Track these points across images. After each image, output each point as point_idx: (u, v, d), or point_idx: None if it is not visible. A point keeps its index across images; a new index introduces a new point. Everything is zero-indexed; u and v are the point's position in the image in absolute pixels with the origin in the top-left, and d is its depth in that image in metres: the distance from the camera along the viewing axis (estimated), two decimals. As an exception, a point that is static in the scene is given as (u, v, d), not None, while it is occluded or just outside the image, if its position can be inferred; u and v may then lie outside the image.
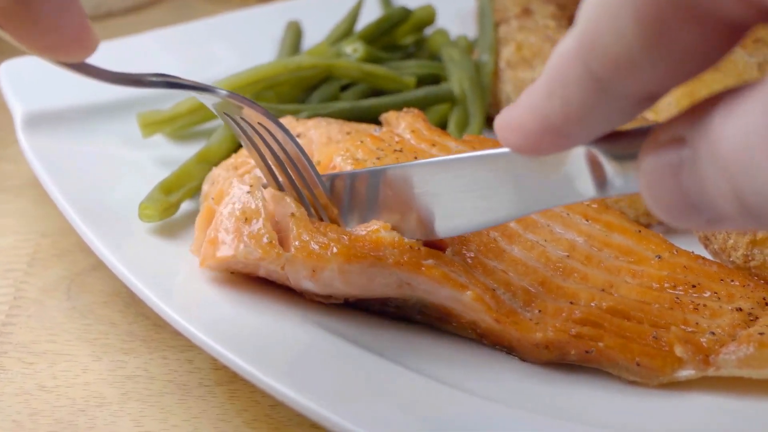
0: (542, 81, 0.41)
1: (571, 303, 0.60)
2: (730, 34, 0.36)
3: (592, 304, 0.60)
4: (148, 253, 0.66)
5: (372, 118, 0.79)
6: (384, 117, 0.73)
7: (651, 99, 0.39)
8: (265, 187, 0.63)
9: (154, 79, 0.54)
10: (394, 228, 0.60)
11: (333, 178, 0.62)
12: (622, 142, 0.43)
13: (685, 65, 0.37)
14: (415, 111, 0.72)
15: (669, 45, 0.36)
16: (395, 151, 0.67)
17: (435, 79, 0.90)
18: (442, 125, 0.84)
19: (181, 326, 0.58)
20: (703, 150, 0.36)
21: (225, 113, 0.59)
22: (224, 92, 0.58)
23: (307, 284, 0.60)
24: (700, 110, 0.37)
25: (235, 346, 0.56)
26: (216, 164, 0.76)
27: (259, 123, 0.60)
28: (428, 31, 0.98)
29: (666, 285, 0.61)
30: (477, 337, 0.61)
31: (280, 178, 0.62)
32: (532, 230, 0.64)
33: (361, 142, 0.67)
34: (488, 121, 0.89)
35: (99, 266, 0.72)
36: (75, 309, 0.69)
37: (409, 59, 0.94)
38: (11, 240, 0.77)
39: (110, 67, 0.52)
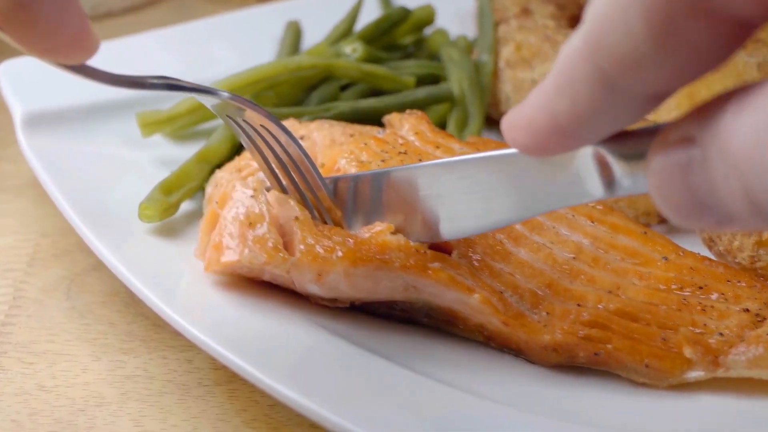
0: (550, 80, 0.41)
1: (579, 305, 0.60)
2: (739, 32, 0.36)
3: (599, 306, 0.60)
4: (147, 253, 0.66)
5: (372, 119, 0.79)
6: (387, 119, 0.73)
7: (659, 98, 0.39)
8: (268, 190, 0.62)
9: (155, 81, 0.54)
10: (398, 230, 0.60)
11: (336, 180, 0.62)
12: (630, 142, 0.43)
13: (694, 64, 0.37)
14: (419, 113, 0.72)
15: (678, 43, 0.36)
16: (400, 153, 0.67)
17: (434, 79, 0.90)
18: (441, 125, 0.84)
19: (180, 326, 0.58)
20: (713, 149, 0.36)
21: (227, 115, 0.59)
22: (226, 94, 0.58)
23: (313, 288, 0.60)
24: (710, 109, 0.37)
25: (235, 347, 0.56)
26: (216, 164, 0.76)
27: (261, 125, 0.59)
28: (428, 31, 0.98)
29: (673, 286, 0.61)
30: (484, 340, 0.61)
31: (284, 181, 0.62)
32: (538, 232, 0.64)
33: (365, 144, 0.67)
34: (487, 121, 0.89)
35: (99, 266, 0.72)
36: (74, 309, 0.69)
37: (409, 59, 0.94)
38: (11, 240, 0.77)
39: (109, 67, 0.52)
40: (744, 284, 0.62)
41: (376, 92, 0.87)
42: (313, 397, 0.53)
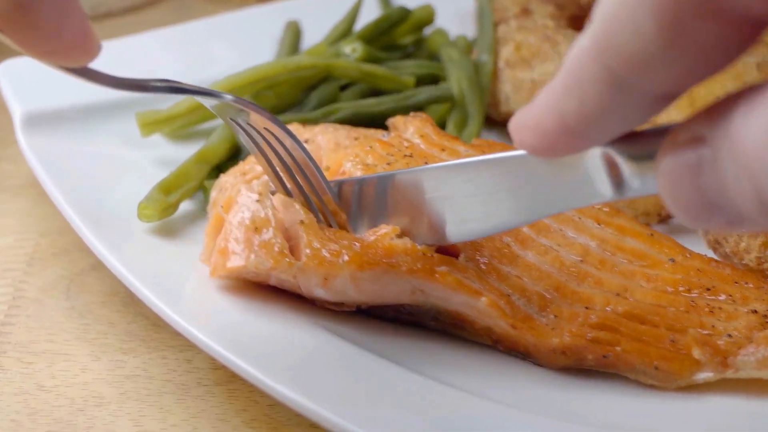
0: (558, 80, 0.40)
1: (587, 308, 0.60)
2: (748, 31, 0.36)
3: (607, 308, 0.60)
4: (147, 253, 0.66)
5: (373, 122, 0.79)
6: (391, 122, 0.72)
7: (669, 98, 0.38)
8: (273, 193, 0.62)
9: (158, 84, 0.53)
10: (404, 232, 0.59)
11: (340, 183, 0.62)
12: (639, 143, 0.42)
13: (703, 63, 0.36)
14: (423, 115, 0.71)
15: (687, 42, 0.35)
16: (405, 156, 0.66)
17: (434, 79, 0.90)
18: (441, 125, 0.84)
19: (179, 326, 0.58)
20: (723, 149, 0.36)
21: (231, 119, 0.59)
22: (230, 97, 0.57)
23: (319, 292, 0.60)
24: (720, 109, 0.36)
25: (236, 348, 0.56)
26: (215, 164, 0.76)
27: (265, 128, 0.59)
28: (427, 30, 0.98)
29: (680, 288, 0.61)
30: (492, 343, 0.61)
31: (288, 185, 0.61)
32: (545, 235, 0.63)
33: (370, 147, 0.67)
34: (487, 121, 0.90)
35: (98, 266, 0.72)
36: (74, 309, 0.69)
37: (408, 59, 0.94)
38: (10, 240, 0.77)
39: (109, 67, 0.52)
40: (751, 285, 0.62)
41: (376, 92, 0.87)
42: (318, 399, 0.52)
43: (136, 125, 0.78)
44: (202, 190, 0.74)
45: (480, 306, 0.58)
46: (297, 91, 0.85)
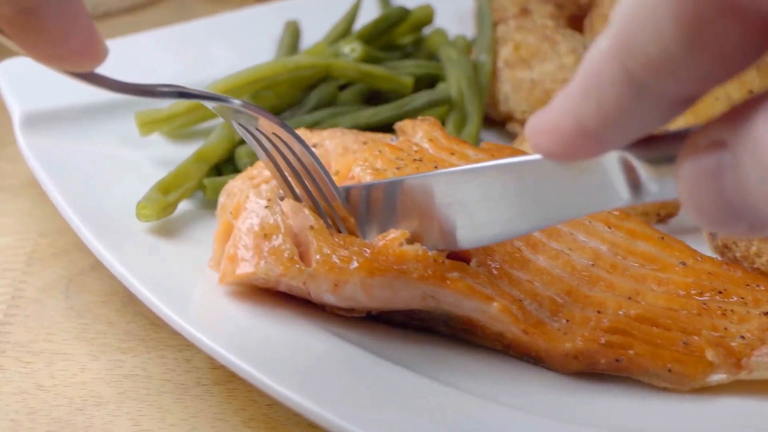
0: (576, 83, 0.40)
1: (599, 312, 0.60)
2: None
3: (619, 312, 0.60)
4: (146, 252, 0.66)
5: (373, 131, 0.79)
6: (399, 126, 0.72)
7: (688, 101, 0.38)
8: (281, 198, 0.62)
9: (165, 89, 0.53)
10: (413, 237, 0.59)
11: (348, 189, 0.61)
12: (657, 146, 0.42)
13: (724, 65, 0.36)
14: (431, 119, 0.71)
15: (708, 43, 0.35)
16: (415, 160, 0.66)
17: (433, 79, 0.90)
18: (440, 125, 0.84)
19: (179, 326, 0.58)
20: (745, 153, 0.35)
21: (240, 123, 0.58)
22: (238, 102, 0.57)
23: (329, 298, 0.60)
24: (741, 112, 0.36)
25: (244, 351, 0.56)
26: (214, 164, 0.76)
27: (273, 133, 0.59)
28: (426, 30, 0.98)
29: (692, 291, 0.61)
30: (503, 348, 0.61)
31: (297, 190, 0.61)
32: (555, 239, 0.63)
33: (380, 151, 0.67)
34: (486, 121, 0.90)
35: (97, 266, 0.72)
36: (73, 308, 0.69)
37: (407, 59, 0.94)
38: (9, 239, 0.77)
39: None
40: (763, 288, 0.62)
41: (375, 92, 0.87)
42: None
43: (135, 125, 0.78)
44: (201, 190, 0.74)
45: (492, 311, 0.58)
46: (296, 91, 0.85)
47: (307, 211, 0.61)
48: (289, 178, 0.61)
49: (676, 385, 0.58)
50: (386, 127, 0.79)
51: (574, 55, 0.87)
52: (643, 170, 0.43)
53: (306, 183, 0.61)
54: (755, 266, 0.66)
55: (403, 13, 0.93)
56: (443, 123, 0.84)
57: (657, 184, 0.42)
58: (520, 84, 0.87)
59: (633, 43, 0.36)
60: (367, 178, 0.64)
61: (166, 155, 0.78)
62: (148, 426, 0.59)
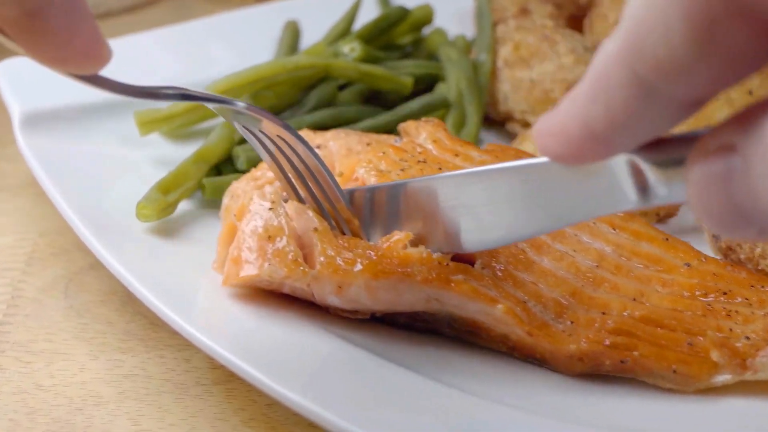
0: (584, 86, 0.39)
1: (603, 313, 0.59)
2: None
3: (624, 313, 0.60)
4: (145, 252, 0.66)
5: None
6: (402, 127, 0.72)
7: (697, 104, 0.38)
8: (285, 200, 0.62)
9: (169, 91, 0.53)
10: (418, 239, 0.59)
11: (352, 192, 0.61)
12: (665, 150, 0.42)
13: (734, 68, 0.36)
14: (435, 120, 0.71)
15: (719, 45, 0.35)
16: (419, 161, 0.66)
17: (432, 78, 0.90)
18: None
19: (178, 325, 0.58)
20: (755, 157, 0.35)
21: (243, 126, 0.58)
22: (242, 104, 0.57)
23: (333, 300, 0.60)
24: (751, 116, 0.36)
25: (239, 348, 0.56)
26: (213, 164, 0.76)
27: (277, 135, 0.59)
28: (426, 30, 0.98)
29: (697, 293, 0.61)
30: (508, 350, 0.61)
31: (301, 192, 0.61)
32: (560, 240, 0.63)
33: (384, 153, 0.66)
34: (486, 121, 0.90)
35: (96, 265, 0.72)
36: (72, 308, 0.69)
37: (407, 59, 0.94)
38: (9, 239, 0.77)
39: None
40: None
41: (375, 92, 0.87)
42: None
43: (135, 124, 0.78)
44: (200, 190, 0.74)
45: (496, 313, 0.58)
46: (295, 91, 0.85)
47: (311, 213, 0.60)
48: (293, 180, 0.61)
49: (681, 386, 0.58)
50: (384, 132, 0.79)
51: (573, 55, 0.87)
52: (651, 173, 0.43)
53: (310, 185, 0.61)
54: (760, 268, 0.66)
55: (403, 13, 0.93)
56: (442, 123, 0.84)
57: (665, 188, 0.42)
58: (520, 84, 0.87)
59: (642, 45, 0.36)
60: (371, 180, 0.64)
61: (165, 155, 0.78)
62: (148, 426, 0.59)
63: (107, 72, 0.51)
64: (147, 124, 0.79)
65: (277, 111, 0.83)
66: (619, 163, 0.44)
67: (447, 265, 0.59)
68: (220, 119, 0.80)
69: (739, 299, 0.61)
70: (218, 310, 0.61)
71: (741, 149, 0.36)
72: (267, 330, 0.59)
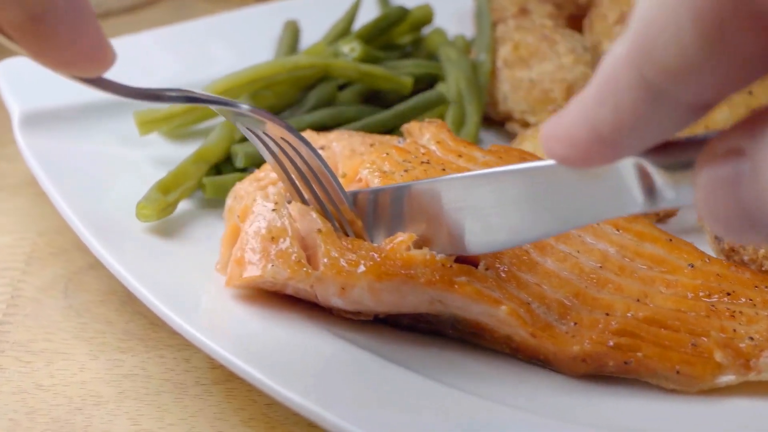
0: (592, 88, 0.39)
1: (607, 314, 0.59)
2: None
3: (628, 314, 0.60)
4: (145, 252, 0.66)
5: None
6: (406, 128, 0.72)
7: (706, 107, 0.37)
8: (288, 201, 0.62)
9: (174, 94, 0.53)
10: (421, 240, 0.59)
11: (355, 194, 0.61)
12: (672, 153, 0.42)
13: (743, 71, 0.36)
14: (439, 121, 0.71)
15: (728, 48, 0.35)
16: (422, 162, 0.66)
17: (432, 78, 0.90)
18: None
19: (177, 325, 0.58)
20: (764, 162, 0.35)
21: (247, 128, 0.58)
22: (246, 107, 0.57)
23: (336, 301, 0.60)
24: (759, 120, 0.36)
25: (241, 349, 0.56)
26: (213, 164, 0.76)
27: (281, 137, 0.59)
28: (426, 30, 0.98)
29: (701, 293, 0.61)
30: (511, 351, 0.61)
31: (305, 193, 0.61)
32: (564, 241, 0.63)
33: (387, 154, 0.66)
34: (485, 121, 0.90)
35: (96, 265, 0.72)
36: (72, 308, 0.69)
37: (407, 59, 0.94)
38: (8, 239, 0.77)
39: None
40: None
41: (374, 92, 0.87)
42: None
43: (134, 124, 0.78)
44: (201, 189, 0.74)
45: (500, 315, 0.58)
46: (295, 91, 0.85)
47: (314, 215, 0.60)
48: (297, 182, 0.61)
49: (685, 387, 0.58)
50: (384, 132, 0.79)
51: (572, 55, 0.87)
52: (658, 176, 0.43)
53: (313, 186, 0.61)
54: (763, 269, 0.66)
55: (403, 13, 0.93)
56: (442, 122, 0.84)
57: (672, 191, 0.42)
58: (519, 83, 0.87)
59: (651, 47, 0.36)
60: (375, 181, 0.64)
61: (165, 155, 0.78)
62: (147, 425, 0.59)
63: (108, 72, 0.51)
64: (146, 124, 0.79)
65: (277, 111, 0.83)
66: (627, 166, 0.44)
67: (450, 266, 0.59)
68: (220, 119, 0.80)
69: (743, 300, 0.61)
70: (220, 311, 0.61)
71: (749, 153, 0.36)
72: (270, 331, 0.59)
